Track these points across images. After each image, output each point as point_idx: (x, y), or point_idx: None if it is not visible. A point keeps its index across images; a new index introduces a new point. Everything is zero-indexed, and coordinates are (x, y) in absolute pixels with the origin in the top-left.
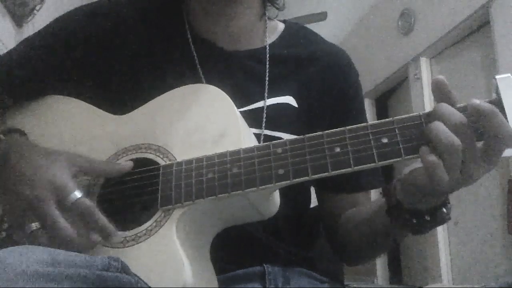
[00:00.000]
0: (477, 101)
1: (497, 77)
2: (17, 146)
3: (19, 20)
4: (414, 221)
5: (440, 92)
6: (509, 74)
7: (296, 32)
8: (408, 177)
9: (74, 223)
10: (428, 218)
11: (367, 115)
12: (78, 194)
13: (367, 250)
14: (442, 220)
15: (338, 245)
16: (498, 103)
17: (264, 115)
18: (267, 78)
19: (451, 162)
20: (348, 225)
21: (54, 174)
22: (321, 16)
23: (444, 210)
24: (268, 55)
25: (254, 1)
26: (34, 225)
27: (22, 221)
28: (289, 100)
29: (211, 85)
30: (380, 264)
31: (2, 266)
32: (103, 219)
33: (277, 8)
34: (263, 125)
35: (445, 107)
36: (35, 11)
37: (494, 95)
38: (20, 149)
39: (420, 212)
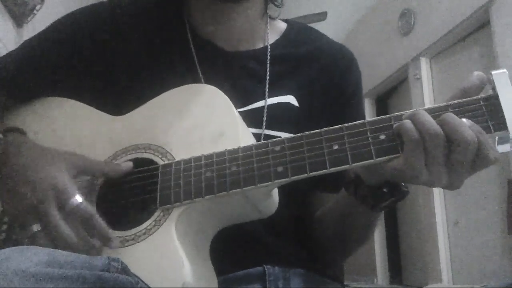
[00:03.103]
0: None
1: (493, 72)
2: (16, 145)
3: (19, 20)
4: (372, 194)
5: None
6: (504, 70)
7: (298, 32)
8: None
9: (75, 227)
10: (386, 190)
11: (367, 115)
12: (78, 199)
13: (340, 238)
14: (401, 193)
15: (316, 242)
16: (495, 98)
17: (265, 115)
18: (267, 78)
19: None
20: (320, 217)
21: (54, 176)
22: (321, 16)
23: (402, 183)
24: (269, 55)
25: (255, 1)
26: (36, 227)
27: (23, 222)
28: (290, 99)
29: (209, 85)
30: (380, 264)
31: (2, 267)
32: (102, 225)
33: (276, 5)
34: (264, 124)
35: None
36: (35, 11)
37: (490, 91)
38: (20, 148)
39: (378, 185)
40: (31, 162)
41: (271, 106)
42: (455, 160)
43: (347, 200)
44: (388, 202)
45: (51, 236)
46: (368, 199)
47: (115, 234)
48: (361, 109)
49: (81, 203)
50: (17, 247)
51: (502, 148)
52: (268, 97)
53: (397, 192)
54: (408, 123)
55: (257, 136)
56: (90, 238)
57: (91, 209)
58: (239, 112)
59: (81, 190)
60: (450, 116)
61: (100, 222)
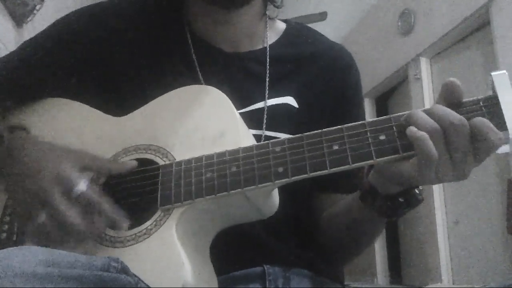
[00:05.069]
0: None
1: (492, 73)
2: (20, 142)
3: (19, 20)
4: (389, 204)
5: (452, 95)
6: (504, 71)
7: (298, 32)
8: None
9: (81, 213)
10: (402, 200)
11: (367, 115)
12: (83, 186)
13: (348, 243)
14: (416, 201)
15: (321, 243)
16: (494, 99)
17: (265, 116)
18: (267, 79)
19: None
20: (328, 220)
21: (59, 167)
22: (321, 16)
23: (417, 191)
24: (268, 56)
25: (255, 3)
26: (42, 217)
27: (29, 214)
28: (290, 100)
29: (210, 86)
30: (380, 264)
31: (2, 267)
32: (110, 208)
33: (275, 6)
34: (264, 126)
35: (441, 108)
36: (35, 11)
37: (490, 92)
38: (23, 145)
39: (394, 195)
40: (36, 156)
41: (270, 107)
42: (454, 147)
43: (362, 209)
44: (405, 210)
45: (58, 223)
46: (385, 209)
47: (116, 234)
48: (361, 109)
49: (86, 189)
50: (17, 247)
51: (503, 149)
52: (268, 98)
53: (413, 200)
54: (411, 127)
55: (257, 137)
56: (98, 224)
57: (98, 194)
58: (239, 113)
59: (87, 180)
60: (436, 107)
61: (108, 205)
